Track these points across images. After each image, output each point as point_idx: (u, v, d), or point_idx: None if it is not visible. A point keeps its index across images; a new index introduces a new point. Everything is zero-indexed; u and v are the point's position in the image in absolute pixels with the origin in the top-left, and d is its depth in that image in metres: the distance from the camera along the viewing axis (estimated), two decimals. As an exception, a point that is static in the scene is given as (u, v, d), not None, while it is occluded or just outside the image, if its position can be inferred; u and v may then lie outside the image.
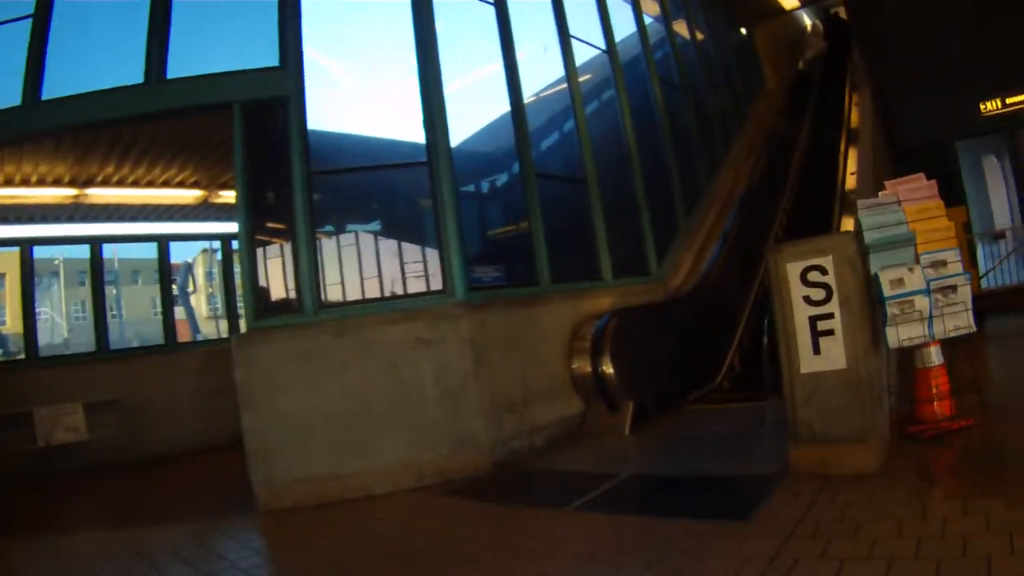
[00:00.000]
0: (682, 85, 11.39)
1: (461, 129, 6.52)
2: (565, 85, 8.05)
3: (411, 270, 6.14)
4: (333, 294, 6.01)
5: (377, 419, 5.50)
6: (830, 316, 3.82)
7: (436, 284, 5.93)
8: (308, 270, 5.66)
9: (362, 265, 6.22)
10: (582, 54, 8.45)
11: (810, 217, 10.72)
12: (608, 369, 6.23)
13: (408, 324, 5.61)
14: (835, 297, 3.82)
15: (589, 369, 6.33)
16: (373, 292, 6.12)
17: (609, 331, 6.37)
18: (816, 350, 3.84)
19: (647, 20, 10.59)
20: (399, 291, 6.04)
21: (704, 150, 11.32)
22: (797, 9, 17.65)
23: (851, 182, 9.84)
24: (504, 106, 7.00)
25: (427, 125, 6.02)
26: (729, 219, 10.18)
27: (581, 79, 8.25)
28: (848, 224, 8.36)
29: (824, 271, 3.84)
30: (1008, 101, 12.87)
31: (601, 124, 9.07)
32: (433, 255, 5.97)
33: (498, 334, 5.87)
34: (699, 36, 12.93)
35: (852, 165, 10.46)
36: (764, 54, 17.57)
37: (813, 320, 3.85)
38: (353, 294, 6.07)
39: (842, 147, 11.63)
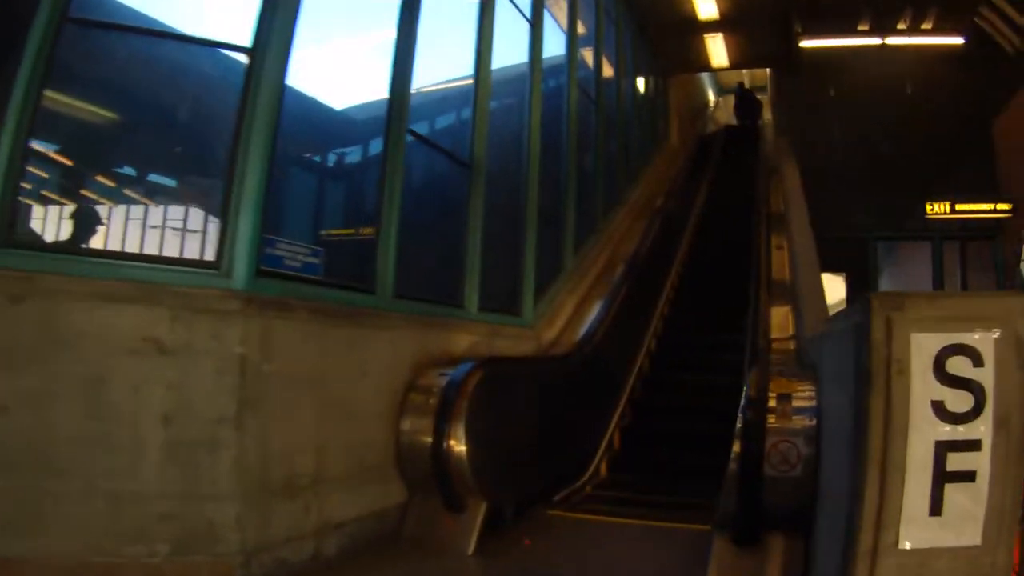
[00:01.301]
0: (598, 103, 9.84)
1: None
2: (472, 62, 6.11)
3: (170, 217, 3.81)
4: (32, 223, 3.68)
5: (55, 470, 3.15)
6: (975, 445, 2.03)
7: (205, 252, 3.64)
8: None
9: (93, 186, 3.85)
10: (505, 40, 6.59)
11: (707, 294, 9.43)
12: (459, 447, 4.10)
13: (139, 310, 3.28)
14: (988, 410, 2.04)
15: (429, 441, 4.17)
16: (96, 239, 3.76)
17: (470, 388, 4.26)
18: (936, 507, 2.02)
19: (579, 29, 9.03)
20: (135, 247, 3.70)
21: (605, 186, 9.74)
22: (725, 69, 16.97)
23: (779, 263, 8.60)
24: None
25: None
26: (621, 269, 8.56)
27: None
28: (781, 314, 6.94)
29: (978, 359, 2.04)
30: (958, 207, 12.54)
31: (505, 118, 7.25)
32: (214, 202, 3.66)
33: (291, 359, 3.62)
34: (622, 64, 11.62)
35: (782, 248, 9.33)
36: (672, 109, 16.78)
37: (942, 449, 2.04)
38: (60, 232, 3.68)
39: (761, 228, 10.59)
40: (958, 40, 13.54)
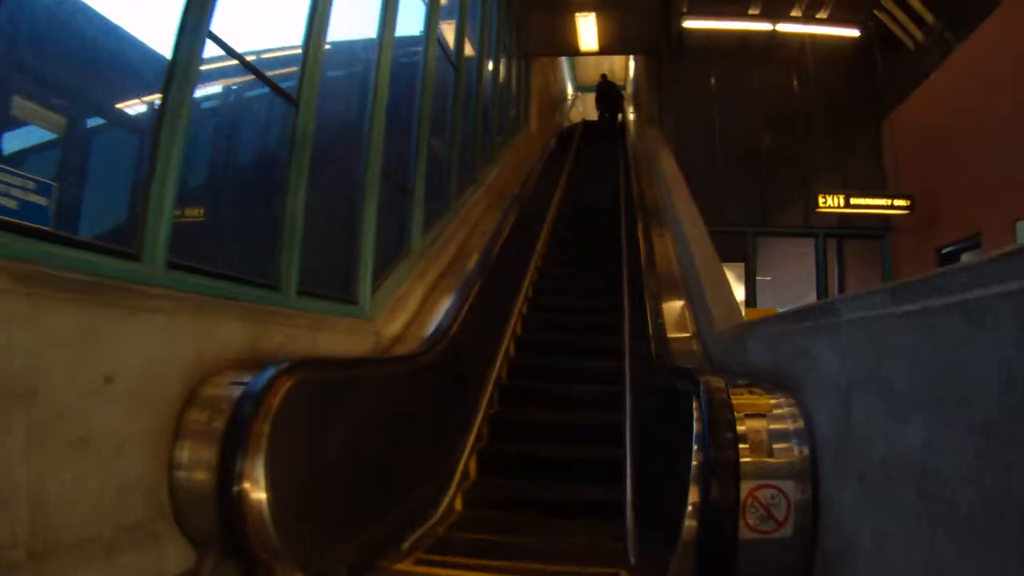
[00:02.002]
0: (458, 72, 8.73)
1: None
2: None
3: None
4: None
5: None
6: None
7: None
8: None
9: None
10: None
11: (573, 289, 8.62)
12: (257, 492, 2.77)
13: None
14: None
15: (213, 481, 2.89)
16: None
17: (275, 403, 2.94)
18: None
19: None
20: None
21: (460, 162, 8.64)
22: (594, 53, 16.29)
23: (663, 253, 7.87)
24: None
25: None
26: (477, 257, 7.48)
27: None
28: (675, 310, 6.15)
29: None
30: (853, 201, 12.24)
31: (350, 70, 6.08)
32: None
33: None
34: (486, 37, 10.61)
35: (663, 237, 8.62)
36: (534, 94, 15.97)
37: None
38: None
39: (637, 217, 9.97)
40: (854, 32, 13.43)
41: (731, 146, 14.02)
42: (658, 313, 5.81)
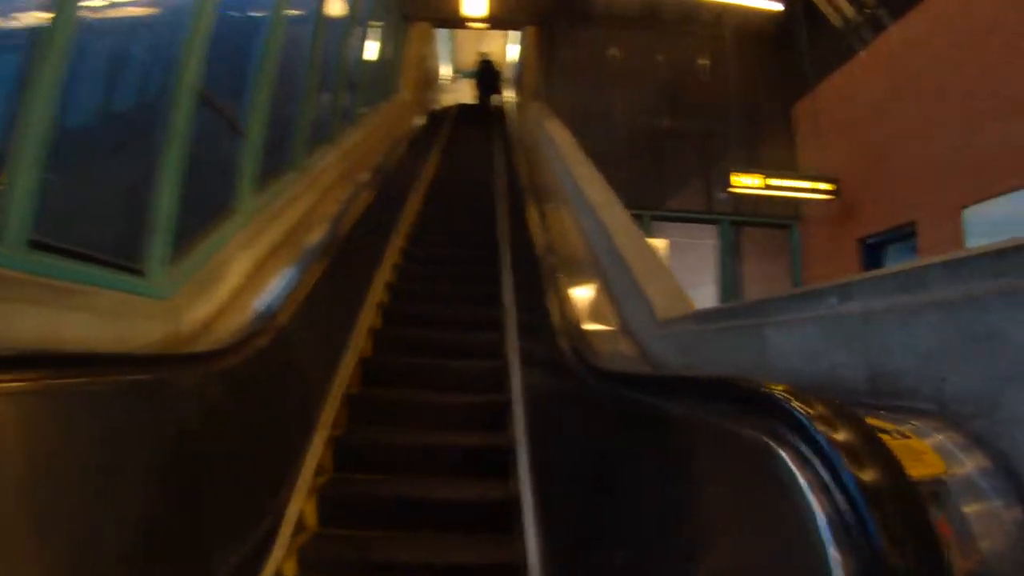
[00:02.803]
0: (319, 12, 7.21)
1: None
2: None
3: None
4: None
5: None
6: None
7: None
8: None
9: None
10: None
11: (443, 272, 7.37)
12: None
13: None
14: None
15: None
16: None
17: None
18: None
19: None
20: None
21: (313, 115, 7.12)
22: (481, 21, 14.92)
23: (559, 229, 6.70)
24: None
25: None
26: (327, 228, 5.95)
27: None
28: (585, 300, 4.93)
29: None
30: (770, 182, 11.26)
31: None
32: None
33: None
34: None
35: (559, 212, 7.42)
36: (409, 62, 14.46)
37: None
38: None
39: (511, 189, 8.78)
40: (777, 6, 12.51)
41: (630, 126, 12.89)
42: (564, 300, 4.51)
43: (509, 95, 19.43)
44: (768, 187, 11.11)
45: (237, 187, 5.03)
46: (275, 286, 4.57)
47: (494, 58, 19.62)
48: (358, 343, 5.77)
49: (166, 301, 3.83)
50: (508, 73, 22.50)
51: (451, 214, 9.21)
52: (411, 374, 5.56)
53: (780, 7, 12.35)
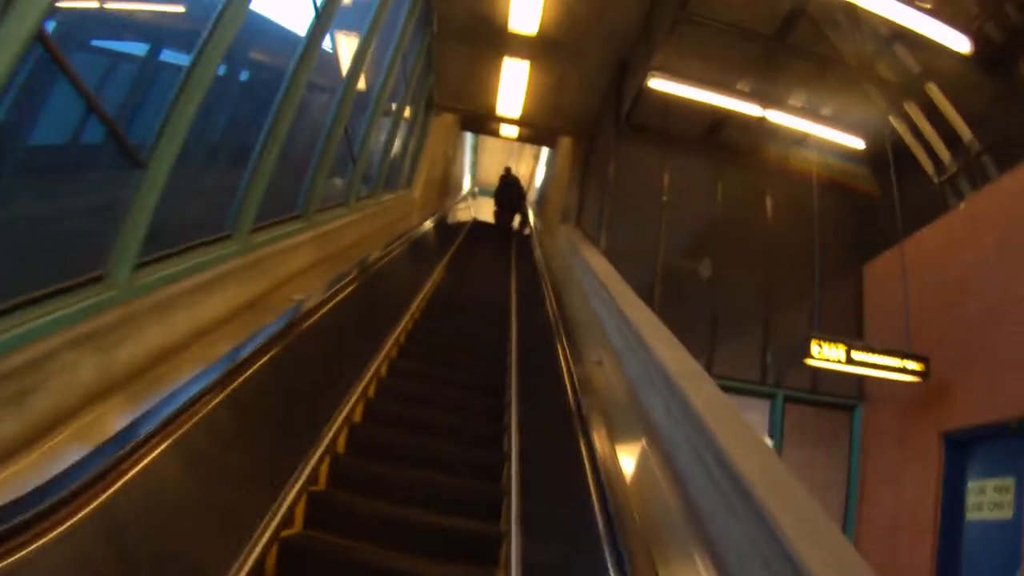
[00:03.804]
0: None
1: None
2: None
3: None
4: None
5: None
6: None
7: None
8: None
9: None
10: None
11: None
12: None
13: None
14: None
15: None
16: None
17: None
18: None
19: None
20: None
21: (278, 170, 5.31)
22: (512, 123, 13.44)
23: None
24: None
25: None
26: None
27: None
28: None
29: None
30: (854, 355, 9.00)
31: None
32: None
33: None
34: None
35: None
36: (425, 154, 12.91)
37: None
38: None
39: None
40: (858, 143, 10.55)
41: (675, 267, 10.94)
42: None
43: (530, 223, 17.71)
44: (850, 361, 8.99)
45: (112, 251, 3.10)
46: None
47: (519, 176, 18.12)
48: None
49: None
50: (532, 197, 21.07)
51: (453, 344, 7.18)
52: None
53: (861, 145, 10.54)
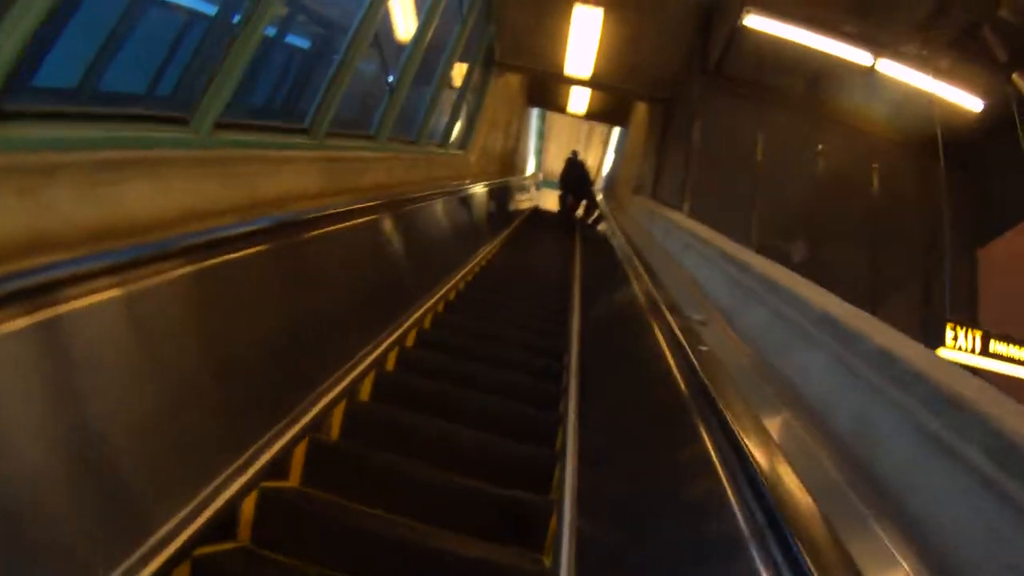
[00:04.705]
0: None
1: None
2: None
3: None
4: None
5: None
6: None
7: None
8: None
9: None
10: None
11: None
12: None
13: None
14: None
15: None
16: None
17: None
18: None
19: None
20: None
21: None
22: (584, 83, 12.12)
23: None
24: None
25: None
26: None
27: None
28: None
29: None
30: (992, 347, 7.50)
31: None
32: None
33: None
34: None
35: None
36: (483, 114, 11.69)
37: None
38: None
39: None
40: (976, 104, 8.91)
41: (769, 246, 9.38)
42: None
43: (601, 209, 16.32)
44: (987, 352, 7.48)
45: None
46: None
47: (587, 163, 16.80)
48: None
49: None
50: (599, 185, 19.76)
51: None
52: None
53: (979, 107, 8.90)
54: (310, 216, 3.82)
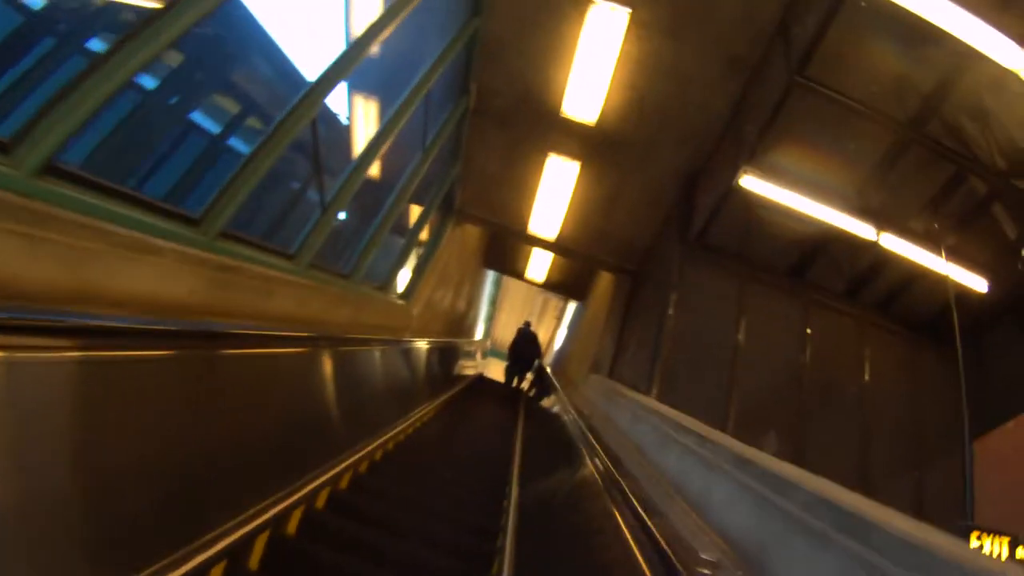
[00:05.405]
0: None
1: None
2: None
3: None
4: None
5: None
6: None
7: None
8: None
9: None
10: None
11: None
12: None
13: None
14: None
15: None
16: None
17: None
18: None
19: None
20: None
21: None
22: (547, 247, 11.24)
23: None
24: None
25: None
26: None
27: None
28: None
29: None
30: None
31: None
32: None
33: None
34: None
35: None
36: (434, 264, 10.69)
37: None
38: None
39: None
40: (980, 284, 8.03)
41: (746, 435, 8.18)
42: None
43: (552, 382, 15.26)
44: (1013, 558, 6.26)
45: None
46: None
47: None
48: None
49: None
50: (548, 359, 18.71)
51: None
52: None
53: (984, 287, 8.14)
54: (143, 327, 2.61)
